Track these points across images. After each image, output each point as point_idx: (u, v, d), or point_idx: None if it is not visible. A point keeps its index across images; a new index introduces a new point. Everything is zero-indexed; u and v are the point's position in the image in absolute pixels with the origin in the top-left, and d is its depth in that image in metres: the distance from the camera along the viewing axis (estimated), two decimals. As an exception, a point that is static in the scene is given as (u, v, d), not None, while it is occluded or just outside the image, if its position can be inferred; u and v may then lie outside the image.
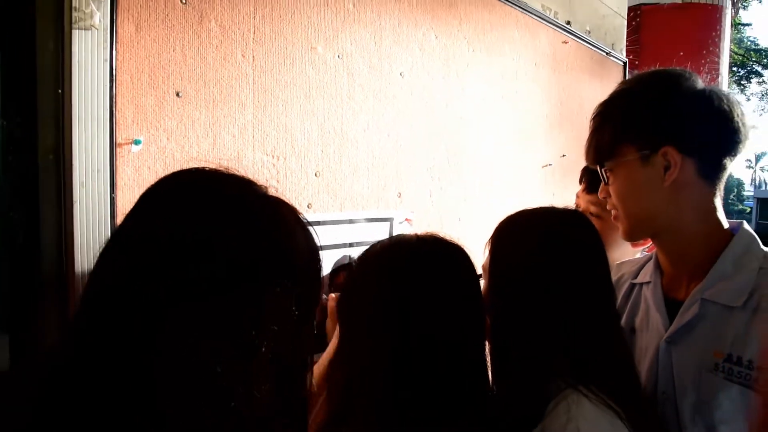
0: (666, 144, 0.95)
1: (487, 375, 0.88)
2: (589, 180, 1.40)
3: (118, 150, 0.91)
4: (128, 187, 0.92)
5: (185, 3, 0.98)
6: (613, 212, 1.07)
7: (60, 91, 0.80)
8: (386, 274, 0.82)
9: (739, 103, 0.97)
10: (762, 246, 0.97)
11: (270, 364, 0.58)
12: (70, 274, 0.83)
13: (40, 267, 0.83)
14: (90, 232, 0.83)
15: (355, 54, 1.28)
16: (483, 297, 0.89)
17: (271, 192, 0.62)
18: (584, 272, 0.91)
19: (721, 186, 1.00)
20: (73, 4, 0.80)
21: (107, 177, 0.85)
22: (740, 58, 14.22)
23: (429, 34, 1.47)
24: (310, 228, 0.65)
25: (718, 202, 1.00)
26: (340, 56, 1.25)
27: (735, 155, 0.98)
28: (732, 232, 0.99)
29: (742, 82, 15.02)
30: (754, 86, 15.51)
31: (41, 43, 0.82)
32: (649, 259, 1.12)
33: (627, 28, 3.49)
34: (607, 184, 1.06)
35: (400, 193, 1.40)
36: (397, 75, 1.39)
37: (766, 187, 39.08)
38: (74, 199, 0.81)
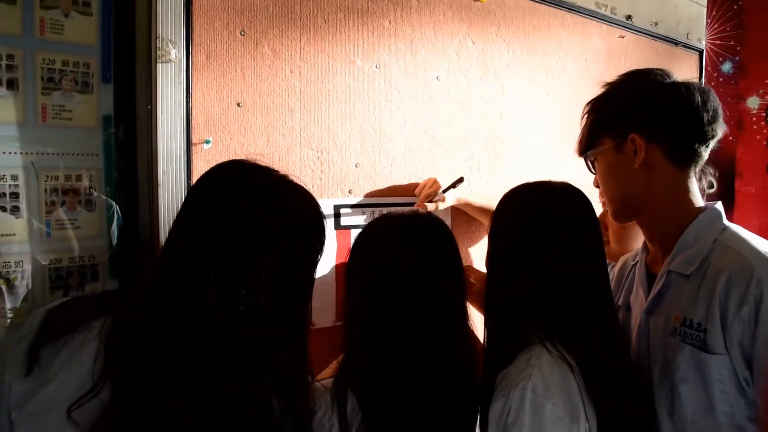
0: (633, 132, 1.08)
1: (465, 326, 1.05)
2: None
3: (194, 148, 1.22)
4: (201, 176, 1.24)
5: (244, 35, 1.28)
6: (601, 199, 1.21)
7: (149, 107, 1.13)
8: (379, 242, 1.02)
9: (707, 92, 1.08)
10: (725, 221, 1.06)
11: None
12: (156, 237, 1.16)
13: (139, 232, 1.17)
14: (170, 206, 1.16)
15: (392, 63, 1.52)
16: (461, 264, 1.06)
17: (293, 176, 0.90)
18: (566, 241, 1.04)
19: (696, 169, 1.10)
20: (158, 45, 1.12)
21: (183, 166, 1.17)
22: None
23: (465, 41, 1.66)
24: (309, 196, 0.91)
25: (693, 183, 1.11)
26: (378, 66, 1.49)
27: (704, 141, 1.08)
28: (705, 209, 1.09)
29: None
30: None
31: (139, 74, 1.16)
32: None
33: (728, 13, 3.37)
34: (593, 173, 1.20)
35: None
36: (433, 79, 1.60)
37: None
38: (159, 182, 1.14)
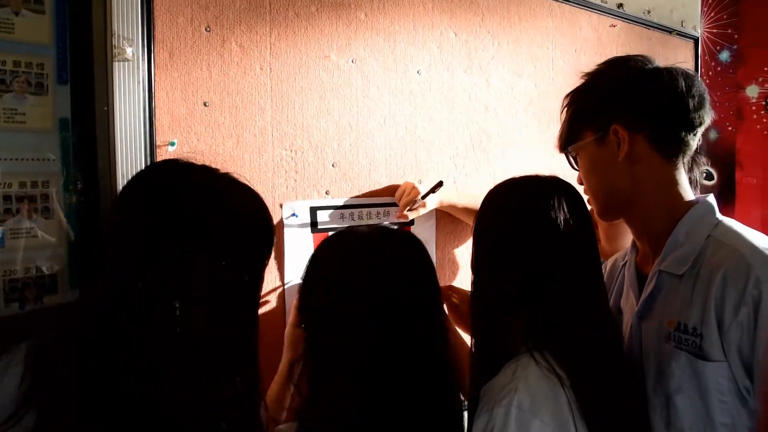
0: (614, 122, 1.02)
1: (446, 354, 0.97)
2: None
3: (158, 151, 1.17)
4: (167, 179, 1.18)
5: (209, 31, 1.22)
6: (586, 198, 1.14)
7: (106, 108, 1.07)
8: (341, 263, 0.93)
9: (691, 77, 1.01)
10: (718, 215, 1.00)
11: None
12: (118, 244, 1.10)
13: (100, 241, 1.12)
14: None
15: (369, 58, 1.46)
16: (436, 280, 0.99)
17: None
18: (555, 235, 0.97)
19: (685, 160, 1.04)
20: (114, 43, 1.07)
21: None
22: None
23: (447, 33, 1.60)
24: (254, 194, 0.85)
25: (681, 175, 1.04)
26: (354, 61, 1.43)
27: (691, 128, 1.01)
28: (696, 203, 1.03)
29: None
30: None
31: (97, 74, 1.10)
32: None
33: (724, 0, 3.29)
34: (575, 169, 1.14)
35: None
36: (414, 73, 1.54)
37: None
38: (117, 188, 1.08)
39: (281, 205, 1.33)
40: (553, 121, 1.86)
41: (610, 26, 2.04)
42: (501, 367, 0.95)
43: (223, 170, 0.84)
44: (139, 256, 0.72)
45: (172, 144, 1.18)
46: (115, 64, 1.07)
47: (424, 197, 1.43)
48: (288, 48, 1.33)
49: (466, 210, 1.54)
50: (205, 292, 0.74)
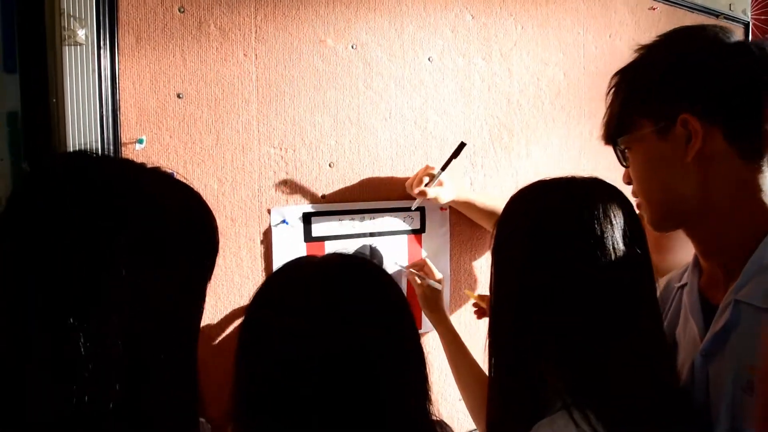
0: (684, 111, 0.81)
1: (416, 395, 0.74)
2: None
3: (124, 149, 1.02)
4: (135, 182, 1.03)
5: (183, 12, 1.07)
6: (635, 200, 0.94)
7: (54, 100, 0.93)
8: (290, 297, 0.73)
9: None
10: None
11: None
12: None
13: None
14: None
15: (372, 43, 1.28)
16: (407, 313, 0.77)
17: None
18: (601, 256, 0.77)
19: None
20: (63, 24, 0.92)
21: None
22: None
23: (463, 15, 1.42)
24: (190, 191, 0.68)
25: (766, 180, 0.83)
26: (354, 46, 1.26)
27: None
28: None
29: None
30: None
31: (50, 62, 0.96)
32: None
33: (776, -17, 3.03)
34: (624, 166, 0.93)
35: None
36: (425, 60, 1.36)
37: None
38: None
39: (269, 211, 1.17)
40: (584, 115, 1.65)
41: (649, 9, 1.83)
42: (529, 426, 0.76)
43: (151, 165, 0.67)
44: (26, 275, 0.56)
45: (140, 141, 1.03)
46: (65, 49, 0.92)
47: (444, 167, 1.27)
48: (276, 31, 1.17)
49: (485, 212, 1.35)
50: (119, 321, 0.56)
